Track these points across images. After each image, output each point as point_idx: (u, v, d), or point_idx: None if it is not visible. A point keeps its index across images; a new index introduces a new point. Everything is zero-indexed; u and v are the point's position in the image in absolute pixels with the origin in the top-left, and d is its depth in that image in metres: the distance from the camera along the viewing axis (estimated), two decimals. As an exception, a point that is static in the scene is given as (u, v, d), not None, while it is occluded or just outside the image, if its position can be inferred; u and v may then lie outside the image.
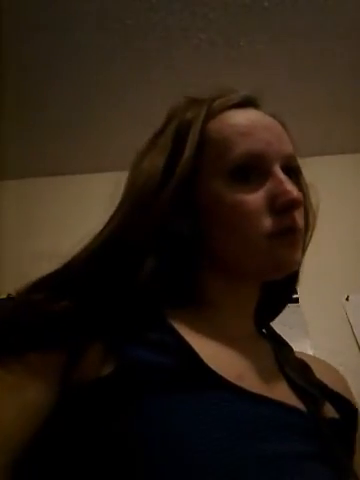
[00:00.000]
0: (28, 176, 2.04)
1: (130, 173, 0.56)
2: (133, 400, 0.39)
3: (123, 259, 0.47)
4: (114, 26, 1.45)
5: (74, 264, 0.48)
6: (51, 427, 0.40)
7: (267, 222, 0.48)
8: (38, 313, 0.42)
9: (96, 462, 0.38)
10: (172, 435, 0.37)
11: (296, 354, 0.60)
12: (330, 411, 0.51)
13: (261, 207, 0.48)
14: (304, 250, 0.56)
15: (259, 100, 0.58)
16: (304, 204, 0.53)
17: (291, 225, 0.49)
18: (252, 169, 0.50)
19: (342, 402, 0.54)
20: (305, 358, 0.59)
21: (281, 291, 0.61)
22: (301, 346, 1.53)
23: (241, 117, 0.53)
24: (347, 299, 1.68)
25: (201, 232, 0.52)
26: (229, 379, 0.42)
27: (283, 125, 0.56)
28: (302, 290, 1.82)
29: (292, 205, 0.48)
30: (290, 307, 1.98)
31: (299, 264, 0.52)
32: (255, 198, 0.49)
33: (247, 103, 0.55)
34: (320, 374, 0.56)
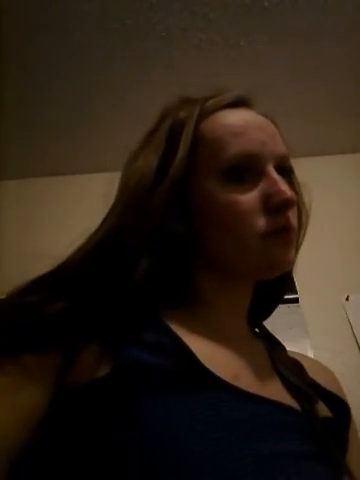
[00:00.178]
0: (28, 176, 2.04)
1: (123, 173, 0.56)
2: (130, 401, 0.39)
3: (117, 260, 0.47)
4: (114, 26, 1.45)
5: (68, 265, 0.48)
6: (46, 428, 0.40)
7: (261, 222, 0.48)
8: (33, 314, 0.42)
9: (92, 463, 0.38)
10: (169, 436, 0.37)
11: (289, 353, 0.60)
12: (323, 410, 0.52)
13: (255, 207, 0.49)
14: (297, 249, 0.56)
15: (252, 100, 0.58)
16: (297, 204, 0.53)
17: (285, 225, 0.49)
18: (246, 169, 0.50)
19: (335, 401, 0.55)
20: (298, 357, 0.60)
21: (274, 291, 0.61)
22: (301, 346, 1.53)
23: (234, 117, 0.53)
24: (347, 299, 1.68)
25: (195, 232, 0.52)
26: (225, 379, 0.42)
27: (276, 125, 0.56)
28: (302, 290, 1.83)
29: (286, 205, 0.48)
30: (290, 307, 1.98)
31: (293, 264, 0.52)
32: (249, 198, 0.49)
33: (240, 103, 0.56)
34: (313, 373, 0.56)
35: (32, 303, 0.43)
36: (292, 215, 0.50)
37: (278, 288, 0.61)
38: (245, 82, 1.61)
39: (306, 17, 1.48)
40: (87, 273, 0.46)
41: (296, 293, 1.70)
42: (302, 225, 0.57)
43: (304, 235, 0.58)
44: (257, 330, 0.63)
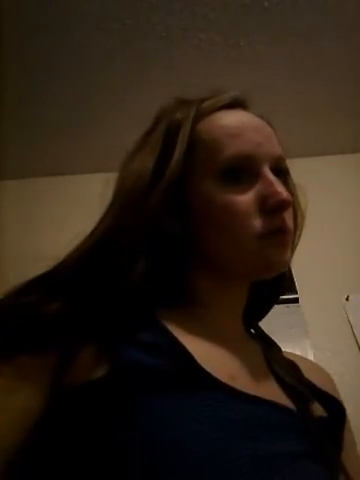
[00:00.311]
0: (28, 176, 2.04)
1: (120, 173, 0.56)
2: (127, 402, 0.39)
3: (114, 260, 0.47)
4: (114, 26, 1.45)
5: (65, 265, 0.48)
6: (44, 429, 0.40)
7: (257, 223, 0.49)
8: (29, 315, 0.42)
9: (90, 464, 0.38)
10: (167, 436, 0.37)
11: (284, 354, 0.60)
12: (318, 410, 0.52)
13: (251, 208, 0.49)
14: (293, 250, 0.56)
15: (248, 101, 0.58)
16: (293, 205, 0.53)
17: (281, 226, 0.49)
18: (242, 170, 0.50)
19: (330, 401, 0.55)
20: (293, 358, 0.60)
21: (269, 291, 0.61)
22: (301, 346, 1.53)
23: (231, 118, 0.53)
24: (347, 299, 1.68)
25: (191, 232, 0.52)
26: (222, 380, 0.43)
27: (272, 126, 0.57)
28: (302, 290, 1.84)
29: (282, 206, 0.49)
30: (290, 307, 1.99)
31: (288, 264, 0.53)
32: (245, 199, 0.49)
33: (236, 104, 0.56)
34: (308, 374, 0.57)
35: (29, 303, 0.43)
36: (288, 216, 0.51)
37: (274, 289, 0.61)
38: (245, 82, 1.61)
39: (306, 17, 1.48)
40: (84, 274, 0.46)
41: (296, 293, 1.70)
42: (298, 226, 0.58)
43: (300, 236, 0.59)
44: (252, 331, 0.63)
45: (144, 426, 0.38)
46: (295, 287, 1.71)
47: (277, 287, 0.61)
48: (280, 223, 0.49)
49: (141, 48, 1.53)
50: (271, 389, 0.50)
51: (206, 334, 0.49)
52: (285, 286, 0.62)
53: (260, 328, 0.64)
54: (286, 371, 0.54)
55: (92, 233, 0.51)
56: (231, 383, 0.43)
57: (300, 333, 1.58)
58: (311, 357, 1.51)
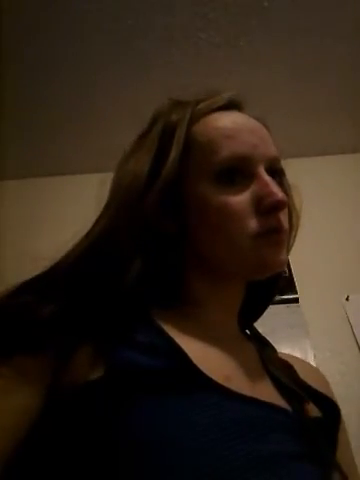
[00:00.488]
0: (28, 176, 2.04)
1: (115, 174, 0.56)
2: (124, 403, 0.39)
3: (110, 261, 0.47)
4: (114, 26, 1.45)
5: (62, 266, 0.48)
6: (40, 430, 0.40)
7: (252, 223, 0.49)
8: (25, 316, 0.42)
9: (87, 465, 0.38)
10: (164, 437, 0.37)
11: (279, 355, 0.61)
12: (314, 410, 0.52)
13: (246, 208, 0.49)
14: (288, 251, 0.56)
15: (244, 102, 0.58)
16: (288, 205, 0.54)
17: (276, 226, 0.50)
18: (237, 171, 0.50)
19: (325, 401, 0.55)
20: (288, 359, 0.60)
21: (264, 292, 0.62)
22: (301, 346, 1.53)
23: (226, 120, 0.53)
24: (347, 299, 1.68)
25: (187, 233, 0.53)
26: (217, 381, 0.43)
27: (267, 128, 0.57)
28: (302, 290, 1.83)
29: (277, 206, 0.49)
30: (290, 307, 1.99)
31: (284, 265, 0.52)
32: (240, 200, 0.49)
33: (232, 106, 0.56)
34: (303, 374, 0.57)
35: (25, 304, 0.43)
36: (283, 216, 0.51)
37: (269, 289, 0.61)
38: (245, 82, 1.61)
39: (306, 17, 1.48)
40: (80, 274, 0.46)
41: (296, 293, 1.70)
42: (293, 226, 0.58)
43: (295, 236, 0.59)
44: (248, 331, 0.63)
45: (141, 427, 0.38)
46: (295, 287, 1.71)
47: (272, 287, 0.61)
48: (275, 223, 0.50)
49: (141, 48, 1.53)
50: (266, 390, 0.50)
51: (202, 335, 0.49)
52: (281, 286, 0.62)
53: (255, 329, 0.64)
54: (281, 372, 0.54)
55: (88, 234, 0.51)
56: (226, 384, 0.43)
57: (300, 333, 1.58)
58: (311, 357, 1.51)
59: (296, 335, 1.57)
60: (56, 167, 2.04)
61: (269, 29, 1.51)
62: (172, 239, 0.52)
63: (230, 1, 1.41)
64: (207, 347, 0.49)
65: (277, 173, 0.54)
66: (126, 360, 0.41)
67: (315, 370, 0.67)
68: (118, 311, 0.44)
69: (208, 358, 0.46)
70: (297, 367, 0.58)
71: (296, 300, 1.68)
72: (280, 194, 0.49)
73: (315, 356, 1.52)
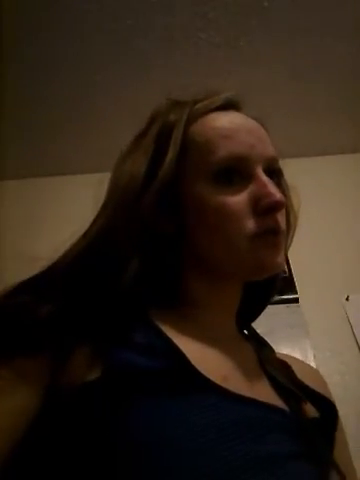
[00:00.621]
0: (28, 176, 2.04)
1: (113, 174, 0.56)
2: (121, 403, 0.39)
3: (107, 261, 0.47)
4: (114, 26, 1.45)
5: (59, 266, 0.48)
6: (38, 431, 0.40)
7: (250, 223, 0.49)
8: (23, 316, 0.42)
9: (85, 466, 0.38)
10: (162, 438, 0.37)
11: (277, 355, 0.61)
12: (311, 410, 0.52)
13: (244, 209, 0.49)
14: (286, 251, 0.56)
15: (242, 102, 0.58)
16: (285, 205, 0.53)
17: (274, 226, 0.50)
18: (235, 172, 0.50)
19: (323, 402, 0.55)
20: (286, 359, 0.60)
21: (262, 292, 0.61)
22: (301, 346, 1.53)
23: (224, 120, 0.53)
24: (347, 299, 1.68)
25: (185, 233, 0.53)
26: (215, 381, 0.43)
27: (265, 128, 0.57)
28: (302, 290, 1.83)
29: (275, 207, 0.49)
30: (290, 307, 1.98)
31: (281, 266, 0.52)
32: (238, 200, 0.49)
33: (229, 106, 0.56)
34: (301, 375, 0.57)
35: (22, 305, 0.43)
36: (281, 217, 0.51)
37: (267, 290, 0.61)
38: (245, 82, 1.61)
39: (306, 17, 1.48)
40: (77, 274, 0.46)
41: (296, 293, 1.70)
42: (290, 227, 0.58)
43: (293, 237, 0.59)
44: (246, 332, 0.63)
45: (139, 428, 0.38)
46: (295, 287, 1.71)
47: (271, 288, 0.61)
48: (273, 224, 0.49)
49: (141, 48, 1.53)
50: (264, 390, 0.50)
51: (200, 335, 0.49)
52: (279, 287, 0.62)
53: (253, 329, 0.64)
54: (279, 372, 0.54)
55: (85, 234, 0.51)
56: (224, 384, 0.43)
57: (300, 333, 1.58)
58: (311, 357, 1.51)
59: (296, 335, 1.57)
60: (56, 167, 2.04)
61: (269, 29, 1.51)
62: (169, 239, 0.52)
63: (230, 1, 1.41)
64: (205, 348, 0.49)
65: (275, 173, 0.54)
66: (124, 361, 0.41)
67: (313, 370, 0.67)
68: (116, 311, 0.44)
69: (206, 359, 0.46)
70: (295, 367, 0.58)
71: (296, 300, 1.68)
72: (278, 195, 0.49)
73: (315, 356, 1.52)
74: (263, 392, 0.49)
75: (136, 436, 0.38)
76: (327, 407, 0.55)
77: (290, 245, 0.59)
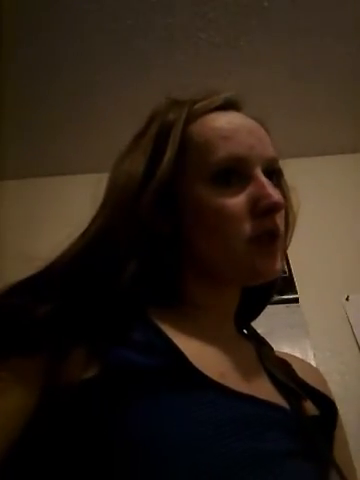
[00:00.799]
0: (28, 176, 2.04)
1: (111, 174, 0.56)
2: (119, 401, 0.39)
3: (105, 260, 0.47)
4: (114, 26, 1.45)
5: (57, 265, 0.48)
6: (35, 430, 0.40)
7: (248, 226, 0.49)
8: (21, 316, 0.42)
9: (83, 465, 0.38)
10: (160, 436, 0.37)
11: (277, 354, 0.61)
12: (311, 408, 0.52)
13: (242, 211, 0.49)
14: (284, 251, 0.56)
15: (241, 102, 0.57)
16: (285, 206, 0.53)
17: (272, 228, 0.49)
18: (234, 172, 0.50)
19: (323, 400, 0.55)
20: (286, 357, 0.60)
21: (261, 294, 0.61)
22: (301, 346, 1.53)
23: (223, 120, 0.53)
24: (347, 299, 1.68)
25: (182, 234, 0.52)
26: (213, 378, 0.43)
27: (265, 128, 0.56)
28: (302, 290, 1.83)
29: (273, 208, 0.48)
30: (290, 307, 1.98)
31: (278, 273, 0.52)
32: (237, 202, 0.49)
33: (229, 106, 0.55)
34: (301, 372, 0.57)
35: (19, 305, 0.43)
36: (279, 219, 0.50)
37: (266, 291, 0.61)
38: (245, 82, 1.61)
39: (306, 17, 1.48)
40: (75, 274, 0.46)
41: (296, 293, 1.70)
42: (289, 227, 0.57)
43: (291, 237, 0.58)
44: (245, 331, 0.63)
45: (137, 426, 0.38)
46: (295, 287, 1.71)
47: (270, 290, 0.61)
48: (271, 226, 0.49)
49: (141, 48, 1.53)
50: (264, 387, 0.50)
51: (198, 334, 0.49)
52: (278, 288, 0.61)
53: (253, 328, 0.64)
54: (279, 370, 0.54)
55: (84, 234, 0.51)
56: (222, 381, 0.43)
57: (300, 333, 1.58)
58: (311, 357, 1.51)
59: (296, 335, 1.57)
60: (56, 167, 2.04)
61: (269, 29, 1.51)
62: (167, 239, 0.52)
63: (230, 1, 1.41)
64: (203, 346, 0.49)
65: (275, 174, 0.53)
66: (122, 359, 0.41)
67: (313, 368, 0.67)
68: (114, 311, 0.44)
69: (204, 356, 0.46)
70: (295, 365, 0.58)
71: (296, 300, 1.68)
72: (276, 196, 0.48)
73: (315, 356, 1.52)
74: (263, 390, 0.49)
75: (134, 433, 0.38)
76: (327, 405, 0.55)
77: (289, 245, 0.58)
